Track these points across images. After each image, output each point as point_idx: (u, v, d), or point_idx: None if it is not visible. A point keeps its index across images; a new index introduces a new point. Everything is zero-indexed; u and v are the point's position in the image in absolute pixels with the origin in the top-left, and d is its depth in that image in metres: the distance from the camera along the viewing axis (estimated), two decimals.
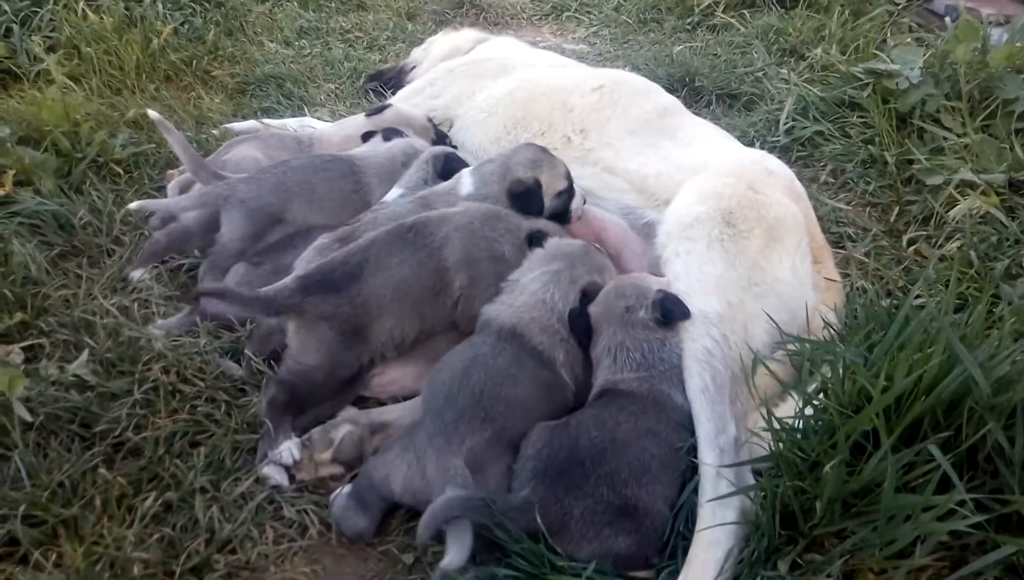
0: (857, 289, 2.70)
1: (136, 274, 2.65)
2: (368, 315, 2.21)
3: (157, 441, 2.03)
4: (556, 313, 2.21)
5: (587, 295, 2.27)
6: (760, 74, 4.31)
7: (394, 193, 2.72)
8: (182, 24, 4.56)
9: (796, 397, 2.00)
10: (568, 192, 2.63)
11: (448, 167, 2.76)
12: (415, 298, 2.28)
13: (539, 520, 1.81)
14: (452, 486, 1.82)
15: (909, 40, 4.29)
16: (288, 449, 2.05)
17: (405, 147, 2.95)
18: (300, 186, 2.70)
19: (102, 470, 1.92)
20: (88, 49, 4.00)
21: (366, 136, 3.11)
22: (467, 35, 4.10)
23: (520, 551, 1.80)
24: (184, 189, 2.95)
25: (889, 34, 4.47)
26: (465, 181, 2.60)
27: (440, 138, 3.31)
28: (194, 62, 4.31)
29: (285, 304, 2.15)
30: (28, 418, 1.95)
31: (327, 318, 2.16)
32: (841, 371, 1.89)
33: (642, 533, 1.85)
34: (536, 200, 2.55)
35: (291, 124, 3.62)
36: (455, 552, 1.76)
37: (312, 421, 2.19)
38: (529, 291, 2.24)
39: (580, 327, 2.22)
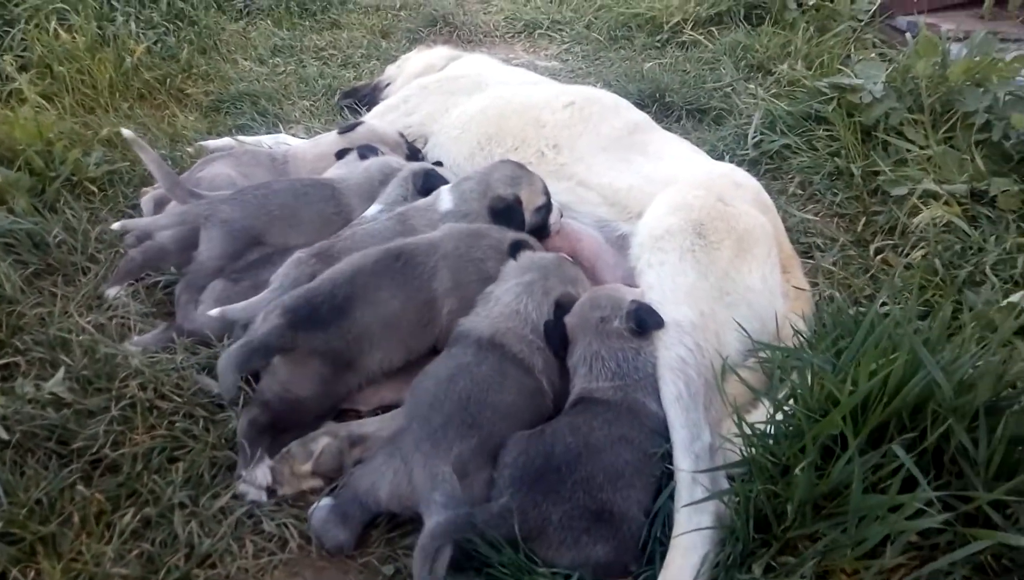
0: (825, 298, 2.76)
1: (112, 292, 2.65)
2: (359, 349, 2.22)
3: (135, 457, 2.03)
4: (530, 323, 2.25)
5: (561, 306, 2.31)
6: (728, 89, 4.40)
7: (373, 209, 2.74)
8: (155, 43, 4.56)
9: (767, 403, 2.05)
10: (547, 207, 2.68)
11: (428, 184, 2.79)
12: (404, 331, 2.30)
13: (518, 527, 1.83)
14: (440, 493, 1.83)
15: (872, 55, 4.40)
16: (264, 474, 2.06)
17: (382, 165, 2.97)
18: (281, 209, 2.70)
19: (80, 487, 1.92)
20: (61, 68, 3.99)
21: (340, 153, 3.14)
22: (440, 52, 4.16)
23: (500, 561, 1.82)
24: (159, 204, 2.95)
25: (853, 49, 4.58)
26: (444, 198, 2.63)
27: (413, 153, 3.34)
28: (168, 80, 4.31)
29: (278, 345, 2.14)
30: (4, 436, 1.94)
31: (319, 354, 2.17)
32: (809, 377, 1.94)
33: (619, 540, 1.88)
34: (517, 216, 2.58)
35: (266, 141, 3.63)
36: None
37: (291, 435, 2.20)
38: (503, 302, 2.28)
39: (555, 338, 2.26)
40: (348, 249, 2.45)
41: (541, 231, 2.68)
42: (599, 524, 1.87)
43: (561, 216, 2.74)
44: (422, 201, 2.67)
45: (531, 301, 2.28)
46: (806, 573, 1.70)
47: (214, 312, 2.33)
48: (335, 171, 3.07)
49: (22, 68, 3.97)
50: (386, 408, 2.33)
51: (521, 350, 2.19)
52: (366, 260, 2.32)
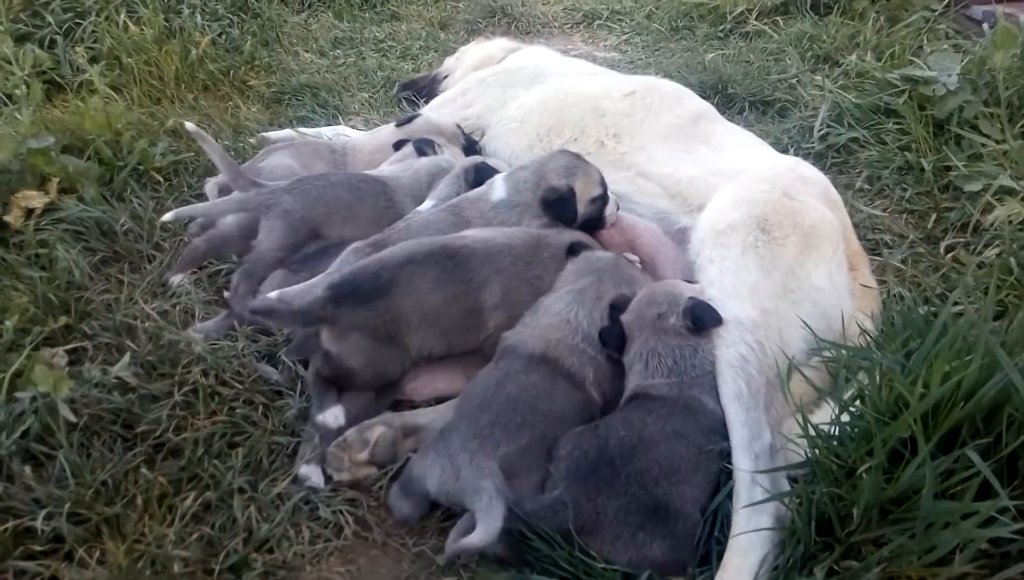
0: (894, 296, 2.67)
1: (175, 279, 2.70)
2: (398, 328, 2.22)
3: (196, 442, 2.06)
4: (581, 332, 2.20)
5: (616, 308, 2.27)
6: (794, 81, 4.28)
7: (427, 204, 2.75)
8: (219, 35, 4.65)
9: (832, 403, 1.99)
10: (602, 198, 2.63)
11: (480, 178, 2.77)
12: (444, 327, 2.29)
13: (572, 520, 1.81)
14: (489, 482, 1.83)
15: (946, 47, 4.23)
16: (336, 414, 2.12)
17: (430, 166, 2.97)
18: (338, 202, 2.72)
19: (143, 470, 1.96)
20: (129, 60, 4.10)
21: (398, 144, 3.15)
22: (499, 44, 4.14)
23: (556, 557, 1.81)
24: (223, 189, 3.00)
25: (925, 41, 4.42)
26: (498, 187, 2.61)
27: (471, 145, 3.34)
28: (231, 72, 4.39)
29: (319, 315, 2.17)
30: (72, 418, 2.00)
31: (359, 327, 2.18)
32: (878, 378, 1.88)
33: (677, 538, 1.84)
34: (570, 207, 2.55)
35: (326, 132, 3.67)
36: (483, 530, 1.76)
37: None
38: (552, 312, 2.25)
39: (613, 339, 2.22)
40: (402, 240, 2.45)
41: (596, 223, 2.64)
42: (655, 520, 1.84)
43: (618, 208, 2.69)
44: (475, 191, 2.66)
45: (582, 309, 2.24)
46: (871, 578, 1.64)
47: (272, 295, 2.35)
48: (387, 167, 3.08)
49: (92, 60, 4.08)
50: (439, 400, 2.34)
51: (572, 363, 2.16)
52: (419, 249, 2.31)
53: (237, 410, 2.17)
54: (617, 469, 1.88)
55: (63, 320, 2.41)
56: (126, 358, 2.23)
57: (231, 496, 1.95)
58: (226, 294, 2.62)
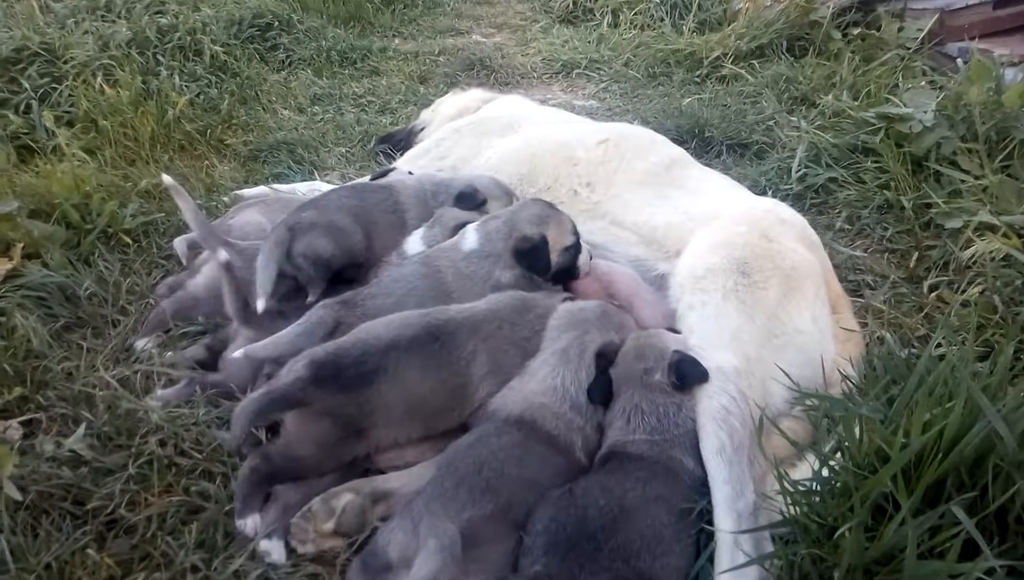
0: (876, 339, 2.59)
1: (140, 343, 2.63)
2: (374, 420, 2.11)
3: (150, 519, 1.97)
4: (569, 399, 2.12)
5: (603, 356, 2.20)
6: (771, 123, 4.27)
7: (416, 245, 2.70)
8: (197, 95, 4.64)
9: (812, 458, 1.90)
10: (575, 247, 2.58)
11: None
12: (428, 412, 2.18)
13: None
14: (435, 540, 1.73)
15: (922, 84, 4.24)
16: (254, 522, 1.99)
17: (433, 177, 3.00)
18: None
19: (91, 550, 1.86)
20: (104, 122, 4.07)
21: None
22: (474, 95, 4.14)
23: None
24: (192, 246, 2.95)
25: (901, 78, 4.42)
26: (469, 237, 2.56)
27: None
28: (208, 131, 4.36)
29: (298, 398, 2.06)
30: (18, 497, 1.90)
31: (331, 414, 2.07)
32: (858, 429, 1.80)
33: None
34: (543, 257, 2.49)
35: (300, 188, 3.63)
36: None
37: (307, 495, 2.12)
38: (539, 377, 2.17)
39: (599, 395, 2.15)
40: (374, 296, 2.40)
41: (569, 272, 2.59)
42: None
43: (591, 258, 2.64)
44: (447, 241, 2.60)
45: (568, 371, 2.16)
46: None
47: (238, 353, 2.28)
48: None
49: (68, 123, 4.07)
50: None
51: (556, 427, 2.08)
52: (403, 333, 2.18)
53: (192, 487, 2.07)
54: (599, 543, 1.78)
55: (18, 390, 2.32)
56: (81, 430, 2.16)
57: (183, 576, 1.85)
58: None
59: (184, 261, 2.98)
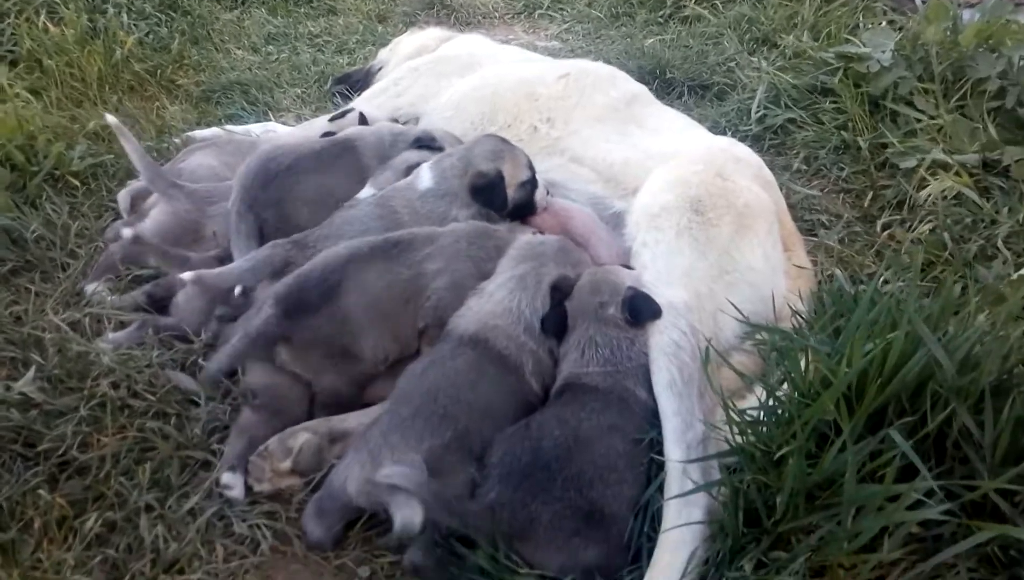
0: (828, 276, 2.63)
1: (90, 287, 2.57)
2: (350, 333, 2.14)
3: (103, 459, 1.95)
4: (523, 322, 2.14)
5: (558, 289, 2.21)
6: (732, 64, 4.25)
7: (367, 191, 2.64)
8: (147, 34, 4.48)
9: (759, 389, 1.94)
10: (531, 182, 2.57)
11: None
12: (393, 322, 2.21)
13: (506, 526, 1.76)
14: (402, 467, 1.76)
15: (882, 23, 4.22)
16: (236, 482, 1.99)
17: (391, 127, 2.93)
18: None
19: (42, 491, 1.84)
20: (49, 62, 3.92)
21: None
22: (433, 33, 4.04)
23: (477, 563, 1.75)
24: (136, 199, 2.88)
25: (862, 18, 4.40)
26: (424, 176, 2.52)
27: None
28: (158, 72, 4.22)
29: (274, 333, 2.11)
30: None
31: (313, 344, 2.11)
32: (803, 360, 1.83)
33: (610, 542, 1.79)
34: (499, 192, 2.48)
35: (254, 129, 3.56)
36: (406, 515, 1.72)
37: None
38: (495, 299, 2.18)
39: (553, 326, 2.16)
40: (326, 237, 2.37)
41: (526, 208, 2.58)
42: (590, 525, 1.78)
43: (548, 193, 2.63)
44: (402, 181, 2.56)
45: (524, 296, 2.17)
46: (799, 568, 1.60)
47: (186, 275, 2.27)
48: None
49: (12, 63, 3.92)
50: None
51: (507, 347, 2.09)
52: (362, 245, 2.25)
53: (147, 423, 2.05)
54: (553, 473, 1.81)
55: None
56: (31, 372, 2.12)
57: (137, 515, 1.85)
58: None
59: (125, 215, 2.90)
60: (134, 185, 2.91)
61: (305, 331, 2.11)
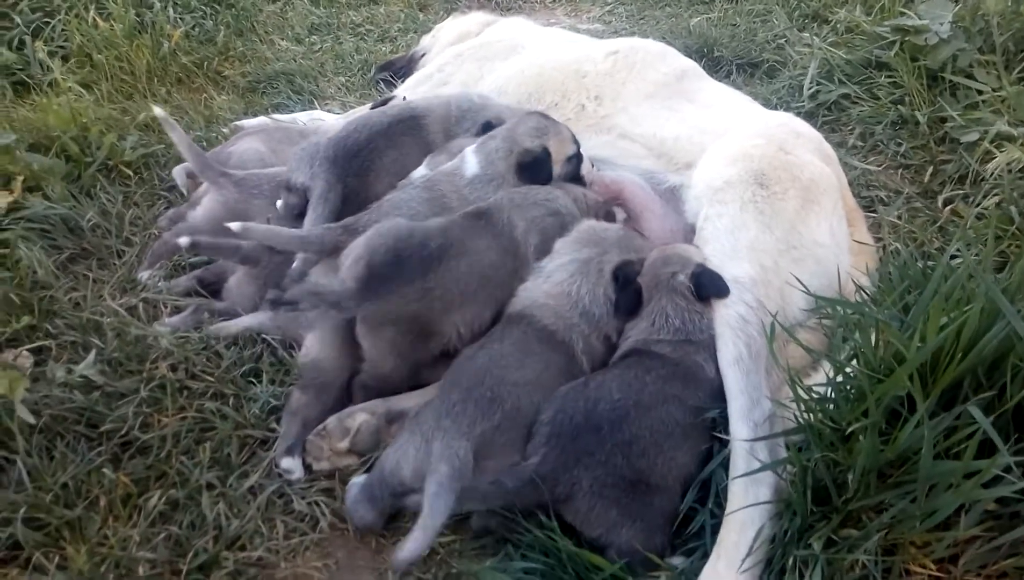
0: (891, 252, 2.55)
1: (145, 274, 2.61)
2: (442, 307, 2.09)
3: (163, 439, 1.98)
4: (580, 307, 2.10)
5: (620, 275, 2.17)
6: (782, 41, 4.16)
7: (421, 171, 2.61)
8: (193, 27, 4.53)
9: (827, 366, 1.88)
10: (577, 157, 2.54)
11: None
12: (495, 285, 2.19)
13: (548, 492, 1.74)
14: (447, 464, 1.73)
15: None
16: (296, 465, 2.00)
17: (462, 101, 2.87)
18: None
19: (107, 470, 1.87)
20: (99, 56, 3.99)
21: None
22: (475, 18, 4.02)
23: (534, 543, 1.74)
24: (191, 175, 2.92)
25: None
26: (469, 161, 2.48)
27: None
28: (205, 64, 4.27)
29: (346, 311, 2.06)
30: (31, 420, 1.90)
31: (390, 321, 2.07)
32: (874, 334, 1.77)
33: (649, 520, 1.76)
34: (546, 168, 2.45)
35: (301, 118, 3.57)
36: (417, 537, 1.68)
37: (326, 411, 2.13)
38: (554, 280, 2.15)
39: (628, 306, 2.13)
40: (375, 222, 2.34)
41: (574, 183, 2.54)
42: (632, 497, 1.75)
43: (593, 166, 2.59)
44: (448, 164, 2.54)
45: (585, 282, 2.13)
46: (871, 547, 1.55)
47: (234, 226, 2.25)
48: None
49: (63, 58, 3.99)
50: None
51: (554, 324, 2.07)
52: (452, 218, 2.25)
53: (206, 404, 2.07)
54: (603, 436, 1.78)
55: (26, 320, 2.31)
56: (91, 356, 2.16)
57: (199, 493, 1.87)
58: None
59: (184, 191, 2.94)
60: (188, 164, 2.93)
61: (390, 304, 2.04)
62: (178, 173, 2.96)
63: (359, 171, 2.56)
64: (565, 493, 1.74)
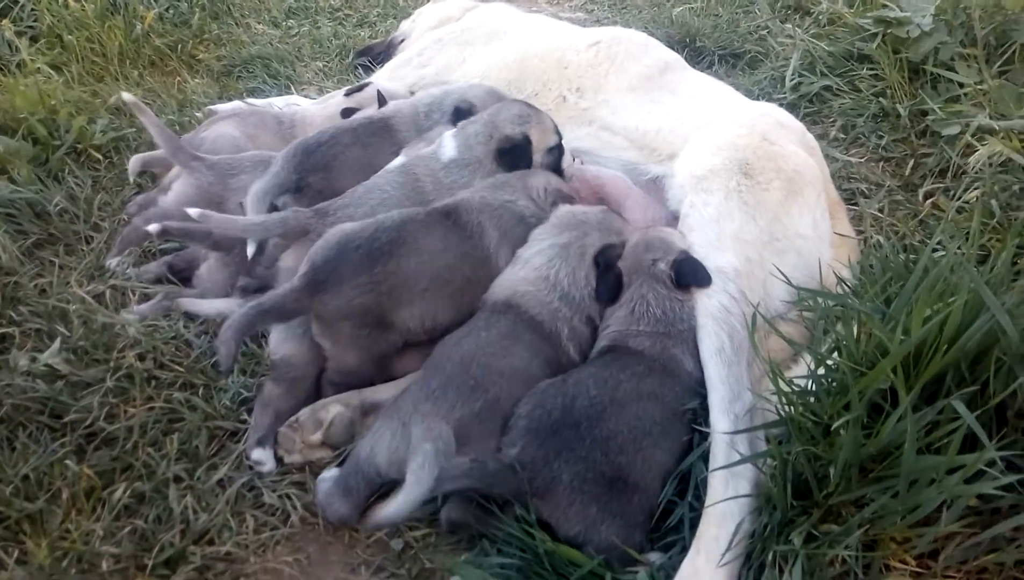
0: (872, 245, 2.54)
1: (113, 261, 2.54)
2: (396, 299, 2.05)
3: (130, 430, 1.92)
4: (559, 290, 2.07)
5: (602, 259, 2.13)
6: (764, 32, 4.15)
7: (398, 161, 2.54)
8: (167, 9, 4.43)
9: (808, 358, 1.86)
10: (559, 148, 2.49)
11: None
12: (456, 288, 2.13)
13: (526, 483, 1.70)
14: (431, 444, 1.69)
15: None
16: (266, 457, 1.95)
17: (428, 99, 2.81)
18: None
19: (70, 462, 1.81)
20: (70, 37, 3.89)
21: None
22: (456, 3, 3.94)
23: (511, 538, 1.71)
24: (145, 167, 2.86)
25: None
26: (447, 145, 2.43)
27: None
28: (179, 46, 4.17)
29: (291, 308, 2.01)
30: None
31: (345, 315, 2.02)
32: (856, 326, 1.75)
33: (629, 516, 1.72)
34: (526, 156, 2.40)
35: (277, 103, 3.50)
36: (403, 498, 1.65)
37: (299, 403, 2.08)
38: (532, 265, 2.11)
39: (608, 287, 2.09)
40: (346, 205, 2.30)
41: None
42: (611, 494, 1.72)
43: (574, 160, 2.55)
44: (426, 149, 2.48)
45: (565, 265, 2.10)
46: (851, 543, 1.53)
47: (193, 212, 2.18)
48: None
49: (32, 39, 3.89)
50: None
51: (540, 314, 2.03)
52: (414, 211, 2.18)
53: (174, 394, 2.02)
54: (582, 432, 1.75)
55: None
56: (56, 344, 2.10)
57: (166, 486, 1.81)
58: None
59: (131, 179, 2.87)
60: (147, 154, 2.86)
61: (340, 298, 2.00)
62: (133, 163, 2.85)
63: (321, 166, 2.51)
64: (544, 487, 1.70)
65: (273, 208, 2.44)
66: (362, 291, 2.01)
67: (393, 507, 1.64)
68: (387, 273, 2.03)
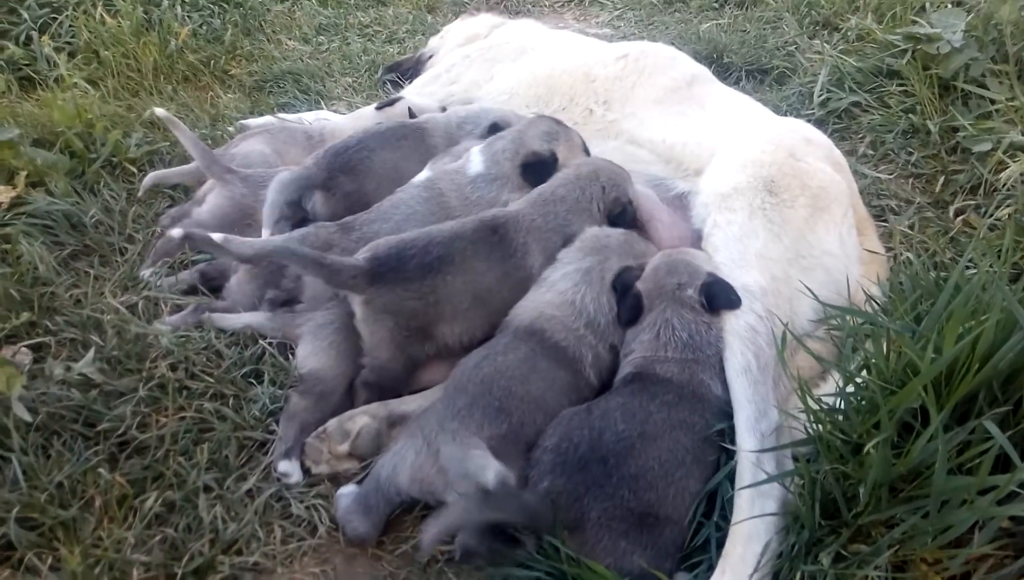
0: (902, 262, 2.52)
1: (147, 272, 2.58)
2: (438, 314, 2.08)
3: (162, 439, 1.95)
4: (585, 316, 2.07)
5: (619, 282, 2.13)
6: (792, 48, 4.12)
7: (424, 175, 2.56)
8: (200, 25, 4.51)
9: (837, 376, 1.85)
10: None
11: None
12: (494, 306, 2.15)
13: (554, 516, 1.69)
14: (479, 451, 1.70)
15: (949, 4, 4.06)
16: (293, 469, 1.97)
17: (463, 112, 2.87)
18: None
19: (103, 470, 1.84)
20: (106, 53, 3.97)
21: None
22: (484, 20, 3.99)
23: (538, 557, 1.70)
24: (160, 184, 2.97)
25: None
26: (474, 160, 2.45)
27: None
28: (212, 62, 4.25)
29: (348, 283, 2.04)
30: (27, 417, 1.87)
31: (391, 312, 2.05)
32: (886, 345, 1.74)
33: (659, 548, 1.70)
34: (550, 173, 2.41)
35: (307, 118, 3.54)
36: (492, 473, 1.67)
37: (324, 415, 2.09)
38: (557, 290, 2.11)
39: (629, 313, 2.08)
40: (371, 221, 2.33)
41: None
42: (641, 529, 1.70)
43: None
44: (452, 164, 2.50)
45: (589, 290, 2.10)
46: (881, 563, 1.51)
47: (217, 237, 2.17)
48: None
49: (70, 54, 3.98)
50: None
51: (565, 339, 2.03)
52: (465, 226, 2.19)
53: (205, 404, 2.04)
54: (610, 469, 1.73)
55: (26, 316, 2.28)
56: (91, 354, 2.12)
57: (196, 495, 1.83)
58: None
59: (141, 193, 2.93)
60: (163, 172, 2.94)
61: (386, 297, 2.04)
62: (148, 179, 2.92)
63: (349, 167, 2.55)
64: (573, 522, 1.69)
65: (292, 206, 2.49)
66: (413, 296, 2.04)
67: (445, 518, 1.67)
68: (435, 286, 2.06)
